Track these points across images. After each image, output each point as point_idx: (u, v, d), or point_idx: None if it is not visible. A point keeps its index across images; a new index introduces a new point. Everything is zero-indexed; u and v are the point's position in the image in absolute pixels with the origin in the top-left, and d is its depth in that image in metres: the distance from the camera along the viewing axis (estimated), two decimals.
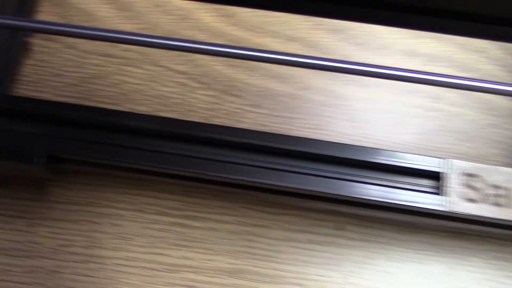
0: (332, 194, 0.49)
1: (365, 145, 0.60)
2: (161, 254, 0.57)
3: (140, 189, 0.59)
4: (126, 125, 0.47)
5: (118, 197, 0.58)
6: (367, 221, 0.58)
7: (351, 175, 0.51)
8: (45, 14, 0.65)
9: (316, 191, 0.48)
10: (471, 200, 0.48)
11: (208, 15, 0.65)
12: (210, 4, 0.64)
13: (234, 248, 0.57)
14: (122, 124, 0.46)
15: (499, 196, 0.48)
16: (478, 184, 0.48)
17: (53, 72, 0.63)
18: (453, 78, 0.46)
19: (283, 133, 0.60)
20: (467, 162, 0.49)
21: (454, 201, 0.48)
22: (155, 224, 0.58)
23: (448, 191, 0.48)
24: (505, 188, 0.48)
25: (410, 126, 0.62)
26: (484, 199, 0.48)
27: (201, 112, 0.62)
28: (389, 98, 0.63)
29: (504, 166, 0.50)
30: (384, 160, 0.49)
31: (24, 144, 0.45)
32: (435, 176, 0.49)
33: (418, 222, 0.58)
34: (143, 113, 0.59)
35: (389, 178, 0.51)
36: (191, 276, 0.56)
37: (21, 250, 0.57)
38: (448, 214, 0.48)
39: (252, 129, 0.60)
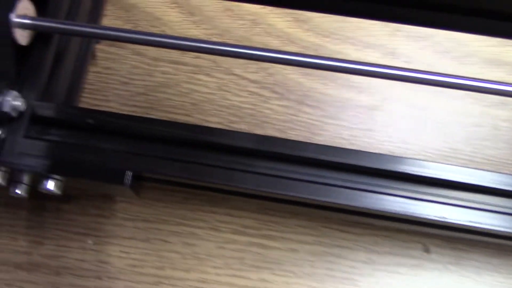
0: (423, 218, 0.45)
1: (455, 163, 0.56)
2: (237, 276, 0.53)
3: (214, 205, 0.55)
4: (209, 142, 0.43)
5: (191, 214, 0.55)
6: (455, 243, 0.54)
7: (443, 196, 0.47)
8: (110, 18, 0.61)
9: (406, 215, 0.44)
10: None
11: (281, 20, 0.62)
12: (283, 8, 0.61)
13: (314, 271, 0.53)
14: (208, 140, 0.43)
15: None
16: None
17: (119, 80, 0.59)
18: None
19: (363, 148, 0.57)
20: None
21: None
22: (230, 243, 0.54)
23: None
24: None
25: (499, 141, 0.58)
26: None
27: (276, 124, 0.58)
28: (478, 110, 0.58)
29: None
30: (476, 181, 0.44)
31: (111, 162, 0.42)
32: None
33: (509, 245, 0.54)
34: (218, 126, 0.56)
35: (482, 201, 0.46)
36: None
37: (88, 270, 0.53)
38: None
39: (331, 142, 0.57)
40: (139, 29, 0.61)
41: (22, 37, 0.43)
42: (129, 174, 0.42)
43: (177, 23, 0.62)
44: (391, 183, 0.46)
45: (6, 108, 0.42)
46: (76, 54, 0.50)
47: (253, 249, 0.54)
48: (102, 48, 0.60)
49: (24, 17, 0.43)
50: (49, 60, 0.46)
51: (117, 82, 0.59)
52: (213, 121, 0.58)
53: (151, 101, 0.59)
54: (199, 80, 0.60)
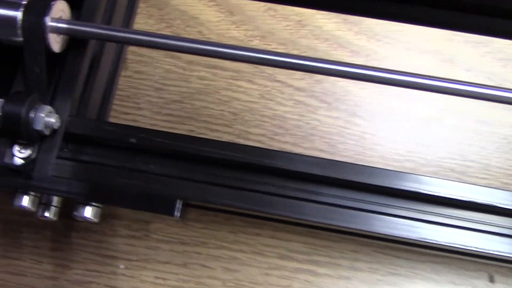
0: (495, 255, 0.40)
1: None
2: None
3: (257, 227, 0.50)
4: (272, 166, 0.38)
5: (232, 237, 0.50)
6: None
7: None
8: (141, 16, 0.56)
9: (470, 250, 0.39)
10: None
11: (330, 21, 0.56)
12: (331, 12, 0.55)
13: None
14: (270, 165, 0.38)
15: None
16: None
17: (151, 85, 0.54)
18: None
19: (420, 165, 0.52)
20: None
21: None
22: (276, 269, 0.49)
23: None
24: None
25: None
26: None
27: (325, 136, 0.53)
28: None
29: None
30: None
31: (158, 189, 0.37)
32: None
33: None
34: (261, 138, 0.51)
35: None
36: None
37: None
38: None
39: (385, 158, 0.52)
40: (173, 29, 0.56)
41: (55, 43, 0.38)
42: (179, 203, 0.37)
43: (215, 23, 0.56)
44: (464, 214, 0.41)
45: (39, 126, 0.37)
46: (111, 61, 0.45)
47: (301, 276, 0.49)
48: (132, 50, 0.54)
49: (60, 20, 0.37)
50: (84, 69, 0.40)
51: (149, 88, 0.54)
52: (256, 133, 0.53)
53: (187, 110, 0.53)
54: (240, 87, 0.54)
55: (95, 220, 0.39)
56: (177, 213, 0.37)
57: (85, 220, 0.39)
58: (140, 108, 0.53)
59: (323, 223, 0.38)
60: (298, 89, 0.54)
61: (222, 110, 0.53)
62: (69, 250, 0.50)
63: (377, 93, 0.54)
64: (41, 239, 0.50)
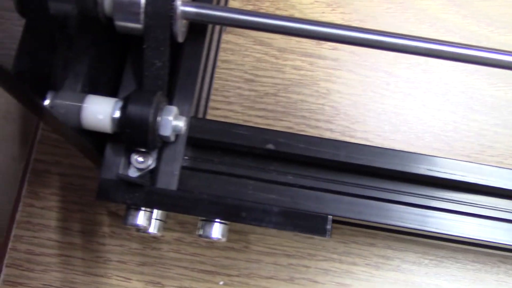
0: None
1: None
2: None
3: (371, 237, 0.45)
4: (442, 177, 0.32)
5: (343, 248, 0.44)
6: None
7: None
8: None
9: None
10: None
11: (435, 3, 0.50)
12: None
13: None
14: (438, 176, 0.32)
15: None
16: None
17: (241, 76, 0.48)
18: None
19: None
20: None
21: None
22: (393, 284, 0.44)
23: None
24: None
25: None
26: None
27: (439, 133, 0.47)
28: None
29: None
30: None
31: (304, 204, 0.31)
32: None
33: None
34: (366, 135, 0.46)
35: None
36: None
37: None
38: None
39: (508, 157, 0.46)
40: (262, 11, 0.50)
41: (180, 31, 0.32)
42: (329, 220, 0.31)
43: (307, 5, 0.50)
44: None
45: (167, 131, 0.30)
46: (215, 51, 0.39)
47: None
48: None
49: (188, 4, 0.31)
50: (202, 62, 0.34)
51: (239, 79, 0.48)
52: (360, 129, 0.47)
53: (283, 104, 0.47)
54: (340, 77, 0.48)
55: (223, 239, 0.33)
56: (328, 231, 0.31)
57: (211, 240, 0.33)
58: (230, 103, 0.47)
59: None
60: (405, 79, 0.48)
61: (321, 104, 0.48)
62: (160, 265, 0.44)
63: (492, 84, 0.48)
64: (127, 252, 0.44)
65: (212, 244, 0.44)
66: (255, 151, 0.32)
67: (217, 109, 0.47)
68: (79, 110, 0.30)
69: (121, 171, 0.31)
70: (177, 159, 0.32)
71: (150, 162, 0.32)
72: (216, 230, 0.33)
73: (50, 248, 0.44)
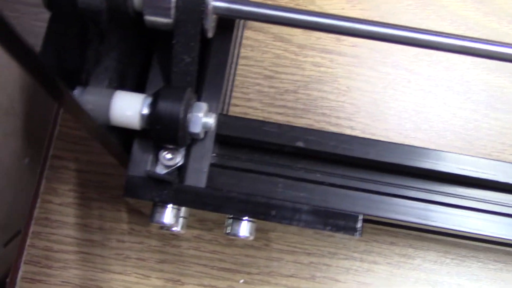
0: None
1: None
2: None
3: (392, 235, 0.44)
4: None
5: (365, 247, 0.44)
6: None
7: None
8: None
9: None
10: None
11: (456, 0, 0.50)
12: None
13: None
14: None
15: None
16: None
17: (260, 72, 0.47)
18: None
19: None
20: None
21: None
22: (414, 283, 0.44)
23: None
24: None
25: None
26: None
27: (459, 131, 0.47)
28: None
29: None
30: None
31: (335, 202, 0.31)
32: None
33: None
34: (387, 133, 0.45)
35: None
36: None
37: None
38: None
39: None
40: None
41: (210, 27, 0.31)
42: (360, 218, 0.31)
43: (327, 1, 0.50)
44: None
45: (197, 128, 0.30)
46: (238, 47, 0.38)
47: None
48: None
49: None
50: (230, 58, 0.34)
51: (259, 75, 0.47)
52: (381, 127, 0.47)
53: (303, 101, 0.47)
54: (360, 75, 0.48)
55: (252, 237, 0.33)
56: (359, 230, 0.31)
57: (239, 238, 0.33)
58: (249, 99, 0.47)
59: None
60: (426, 77, 0.48)
61: (342, 102, 0.47)
62: (180, 262, 0.43)
63: None
64: (146, 249, 0.44)
65: (232, 242, 0.44)
66: (284, 149, 0.32)
67: (237, 105, 0.46)
68: (107, 106, 0.30)
69: (148, 168, 0.31)
70: (206, 156, 0.31)
71: (179, 159, 0.31)
72: (244, 228, 0.32)
73: (69, 245, 0.44)
